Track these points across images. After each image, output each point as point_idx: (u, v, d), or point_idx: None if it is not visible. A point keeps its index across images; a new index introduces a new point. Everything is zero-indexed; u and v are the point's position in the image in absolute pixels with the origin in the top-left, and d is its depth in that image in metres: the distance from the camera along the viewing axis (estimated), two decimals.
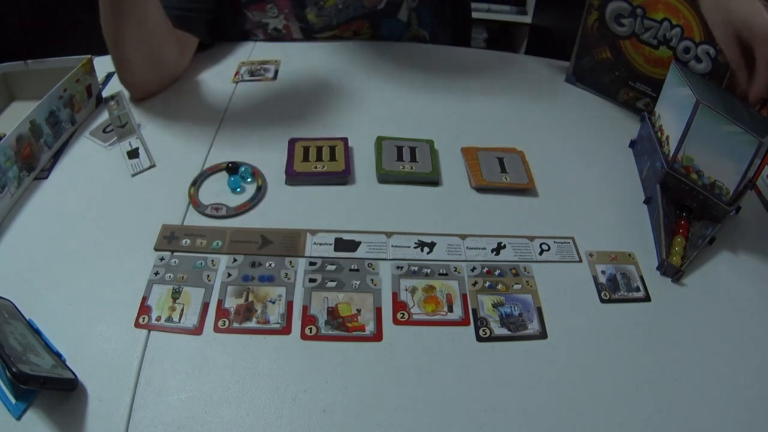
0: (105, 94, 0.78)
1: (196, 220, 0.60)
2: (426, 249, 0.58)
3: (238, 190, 0.63)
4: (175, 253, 0.56)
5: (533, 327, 0.52)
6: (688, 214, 0.63)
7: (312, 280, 0.55)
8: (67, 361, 0.46)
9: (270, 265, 0.56)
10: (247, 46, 0.90)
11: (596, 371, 0.49)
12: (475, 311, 0.53)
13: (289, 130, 0.71)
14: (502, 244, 0.60)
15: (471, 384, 0.48)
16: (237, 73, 0.83)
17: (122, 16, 0.67)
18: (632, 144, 0.75)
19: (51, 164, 0.66)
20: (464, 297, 0.54)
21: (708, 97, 0.59)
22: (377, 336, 0.50)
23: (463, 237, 0.60)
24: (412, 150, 0.69)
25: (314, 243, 0.58)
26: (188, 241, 0.57)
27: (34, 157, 0.63)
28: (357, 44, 0.92)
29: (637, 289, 0.56)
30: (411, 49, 0.93)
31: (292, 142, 0.69)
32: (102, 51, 0.78)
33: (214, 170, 0.66)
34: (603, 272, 0.58)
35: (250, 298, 0.53)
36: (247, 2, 0.86)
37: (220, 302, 0.52)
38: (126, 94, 0.77)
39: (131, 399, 0.44)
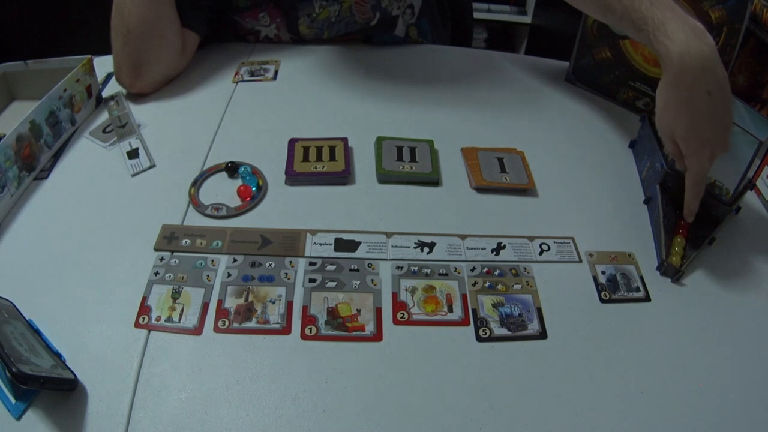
0: (105, 94, 0.78)
1: (196, 220, 0.60)
2: (426, 249, 0.58)
3: (253, 188, 0.63)
4: (175, 253, 0.56)
5: (533, 327, 0.52)
6: None
7: (312, 280, 0.55)
8: (67, 361, 0.46)
9: (270, 265, 0.56)
10: (247, 46, 0.90)
11: (596, 371, 0.49)
12: (475, 311, 0.53)
13: (289, 130, 0.71)
14: (502, 244, 0.60)
15: (471, 384, 0.48)
16: (237, 73, 0.83)
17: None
18: (632, 144, 0.75)
19: (51, 164, 0.66)
20: (464, 297, 0.54)
21: None
22: (377, 336, 0.51)
23: (463, 237, 0.60)
24: (412, 150, 0.69)
25: (314, 243, 0.58)
26: (188, 241, 0.57)
27: (34, 157, 0.63)
28: (357, 45, 0.92)
29: (637, 289, 0.56)
30: (410, 49, 0.93)
31: (292, 142, 0.69)
32: (102, 51, 0.78)
33: (214, 170, 0.66)
34: (603, 272, 0.58)
35: (250, 298, 0.53)
36: (241, 9, 0.86)
37: (220, 302, 0.52)
38: (125, 93, 0.77)
39: (131, 399, 0.44)
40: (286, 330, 0.50)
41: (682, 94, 0.53)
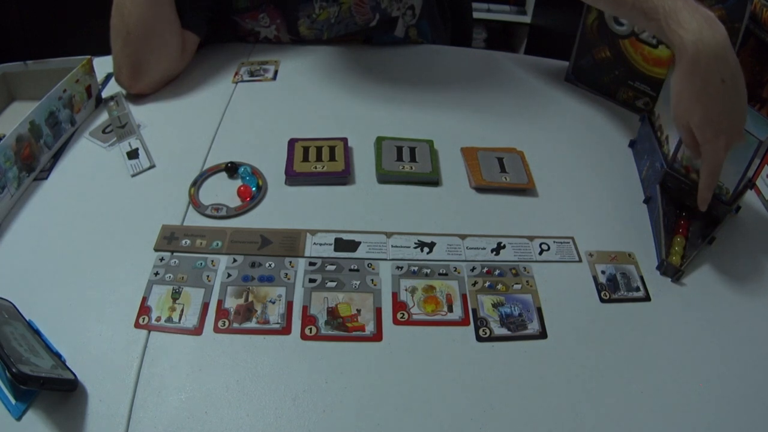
0: (105, 94, 0.78)
1: (196, 220, 0.60)
2: (426, 249, 0.58)
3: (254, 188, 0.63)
4: (174, 254, 0.56)
5: (533, 327, 0.52)
6: (687, 213, 0.63)
7: (312, 280, 0.55)
8: (67, 362, 0.46)
9: (270, 265, 0.56)
10: (246, 47, 0.90)
11: (596, 371, 0.49)
12: (475, 311, 0.53)
13: (289, 130, 0.71)
14: (502, 244, 0.60)
15: (471, 384, 0.48)
16: (237, 73, 0.83)
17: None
18: (632, 144, 0.75)
19: (51, 165, 0.66)
20: (464, 297, 0.54)
21: None
22: (377, 336, 0.51)
23: (463, 237, 0.60)
24: (412, 150, 0.69)
25: (314, 243, 0.58)
26: (188, 241, 0.57)
27: (34, 158, 0.63)
28: (356, 45, 0.92)
29: (637, 289, 0.56)
30: (410, 49, 0.93)
31: (291, 142, 0.69)
32: (102, 51, 0.78)
33: (214, 170, 0.66)
34: (603, 272, 0.58)
35: (250, 299, 0.53)
36: (241, 10, 0.86)
37: (219, 302, 0.52)
38: (125, 94, 0.77)
39: (131, 399, 0.44)
40: (286, 330, 0.50)
41: (696, 83, 0.53)
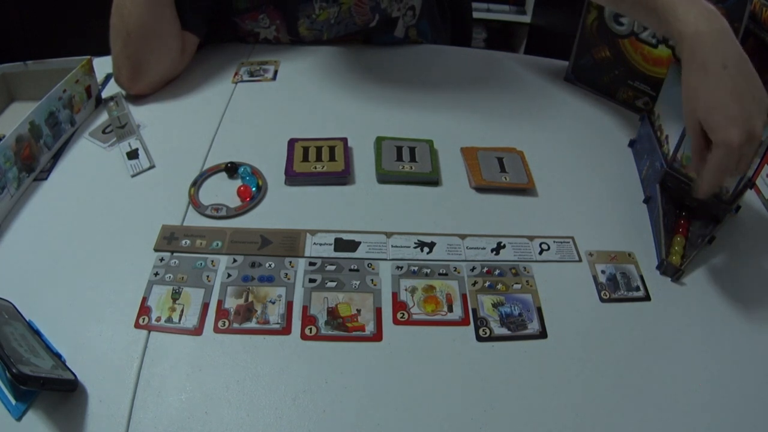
0: (104, 94, 0.78)
1: (195, 220, 0.60)
2: (426, 249, 0.58)
3: (254, 189, 0.63)
4: (174, 254, 0.56)
5: (533, 327, 0.52)
6: (687, 213, 0.63)
7: (312, 281, 0.55)
8: (67, 362, 0.46)
9: (270, 265, 0.56)
10: (246, 47, 0.90)
11: (596, 371, 0.49)
12: (475, 311, 0.53)
13: (289, 130, 0.71)
14: (502, 244, 0.60)
15: (471, 384, 0.48)
16: (236, 73, 0.83)
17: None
18: (632, 143, 0.75)
19: (51, 165, 0.66)
20: (464, 297, 0.54)
21: None
22: (377, 336, 0.51)
23: (463, 237, 0.60)
24: (412, 150, 0.69)
25: (314, 243, 0.58)
26: (188, 241, 0.57)
27: (34, 158, 0.63)
28: (356, 45, 0.92)
29: (637, 289, 0.56)
30: (410, 49, 0.93)
31: (291, 142, 0.69)
32: (102, 52, 0.78)
33: (214, 170, 0.66)
34: (603, 272, 0.58)
35: (250, 299, 0.53)
36: (241, 10, 0.86)
37: (219, 302, 0.52)
38: (125, 94, 0.77)
39: (131, 399, 0.44)
40: (286, 330, 0.50)
41: (699, 72, 0.52)
